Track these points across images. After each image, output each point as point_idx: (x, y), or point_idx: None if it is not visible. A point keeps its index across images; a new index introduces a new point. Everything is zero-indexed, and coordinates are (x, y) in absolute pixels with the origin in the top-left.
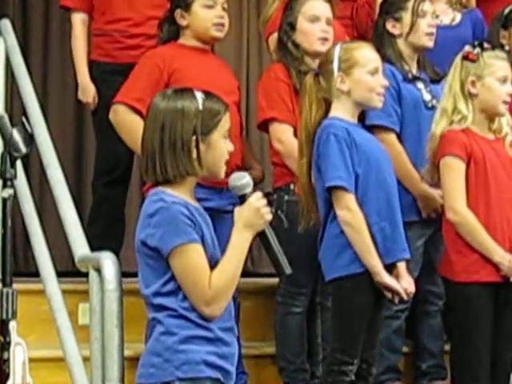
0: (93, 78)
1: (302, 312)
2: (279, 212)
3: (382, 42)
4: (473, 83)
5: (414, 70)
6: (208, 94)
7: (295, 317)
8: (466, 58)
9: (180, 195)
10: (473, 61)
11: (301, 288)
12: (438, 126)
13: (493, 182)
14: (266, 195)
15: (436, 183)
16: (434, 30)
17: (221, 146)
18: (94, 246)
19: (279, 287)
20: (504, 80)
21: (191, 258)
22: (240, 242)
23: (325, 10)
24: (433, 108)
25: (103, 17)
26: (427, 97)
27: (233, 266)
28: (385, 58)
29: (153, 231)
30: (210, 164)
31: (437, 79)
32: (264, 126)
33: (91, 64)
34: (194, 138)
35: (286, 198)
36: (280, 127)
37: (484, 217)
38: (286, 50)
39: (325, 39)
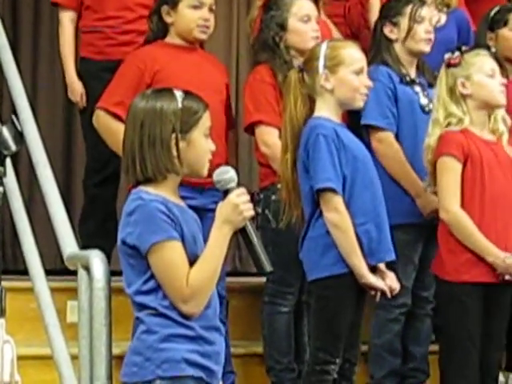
0: (83, 75)
1: (290, 311)
2: (266, 211)
3: (379, 46)
4: (463, 84)
5: (413, 74)
6: (187, 93)
7: (283, 316)
8: (448, 65)
9: (161, 193)
10: (455, 65)
11: (288, 287)
12: (432, 137)
13: (489, 183)
14: (252, 195)
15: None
16: (431, 36)
17: (202, 143)
18: (86, 245)
19: (267, 287)
20: (493, 72)
21: (169, 255)
22: (218, 238)
23: (313, 9)
24: (430, 112)
25: (94, 15)
26: (424, 101)
27: (211, 263)
28: (382, 62)
29: (131, 229)
30: (192, 162)
31: (436, 83)
32: (251, 128)
33: (82, 61)
34: (173, 135)
35: (273, 197)
36: (266, 130)
37: (478, 217)
38: (274, 52)
39: (317, 38)
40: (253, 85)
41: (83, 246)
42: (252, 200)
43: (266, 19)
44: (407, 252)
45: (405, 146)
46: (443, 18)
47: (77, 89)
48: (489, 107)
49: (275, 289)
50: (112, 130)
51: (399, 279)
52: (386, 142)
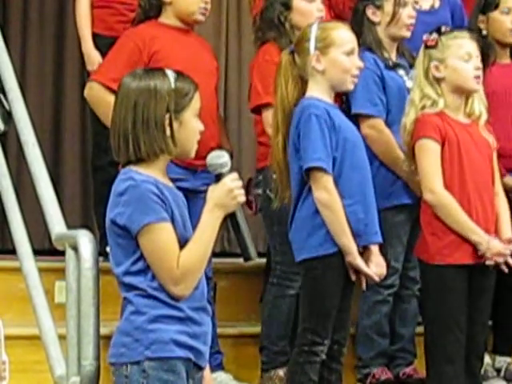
0: None
1: (295, 294)
2: (267, 191)
3: (362, 29)
4: (436, 68)
5: (394, 57)
6: (179, 74)
7: (288, 300)
8: (426, 46)
9: (151, 174)
10: (432, 46)
11: (295, 268)
12: (408, 117)
13: (467, 165)
14: (249, 180)
15: (414, 172)
16: (413, 21)
17: (193, 124)
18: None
19: (275, 269)
20: (468, 56)
21: (159, 237)
22: (210, 221)
23: None
24: None
25: None
26: (409, 84)
27: (202, 246)
28: (364, 45)
29: (122, 210)
30: (183, 142)
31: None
32: (258, 109)
33: (92, 37)
34: (167, 115)
35: (274, 176)
36: None
37: (459, 199)
38: (280, 31)
39: (322, 18)
40: (262, 65)
41: (99, 227)
42: (247, 186)
43: None
44: (398, 233)
45: (393, 130)
46: (437, 2)
47: (94, 58)
48: (462, 92)
49: (283, 270)
50: (107, 102)
51: (389, 260)
52: (376, 128)
